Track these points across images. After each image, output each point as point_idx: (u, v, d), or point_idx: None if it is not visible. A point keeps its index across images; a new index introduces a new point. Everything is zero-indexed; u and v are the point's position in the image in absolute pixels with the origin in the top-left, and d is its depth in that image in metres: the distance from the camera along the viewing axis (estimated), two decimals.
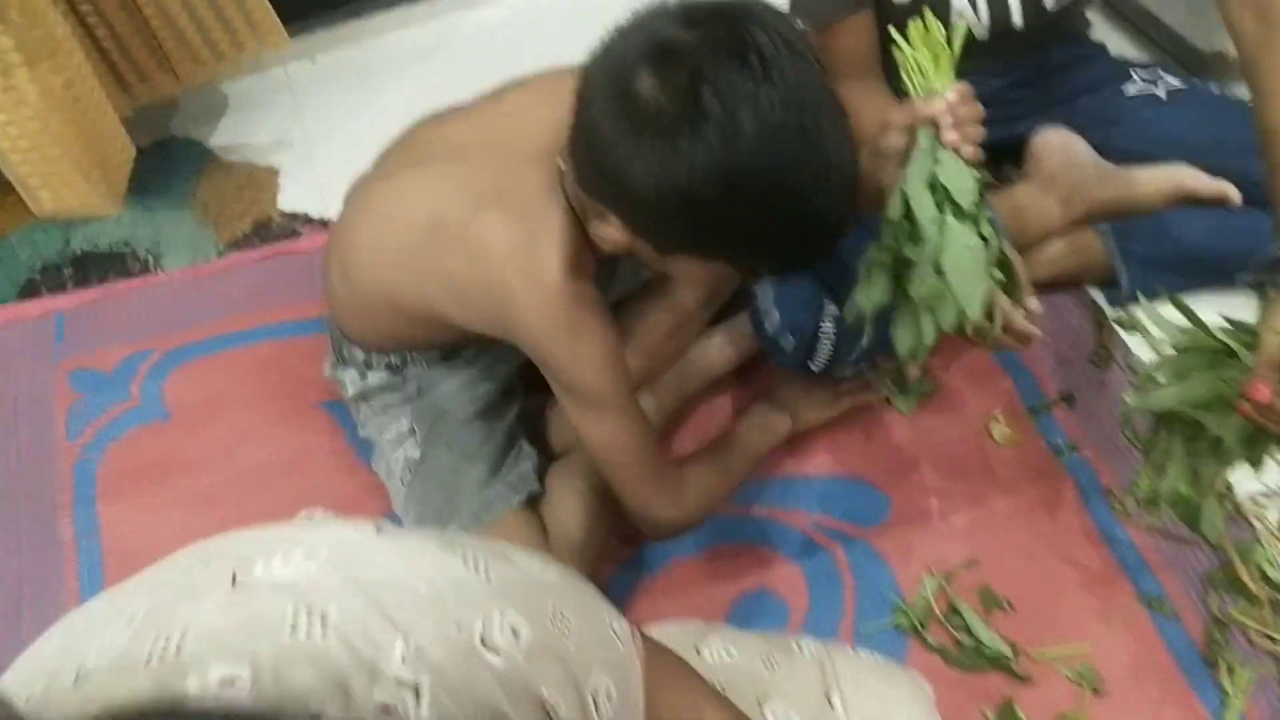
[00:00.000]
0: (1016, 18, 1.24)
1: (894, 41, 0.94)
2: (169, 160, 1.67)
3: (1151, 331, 1.05)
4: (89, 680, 0.44)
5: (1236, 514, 1.17)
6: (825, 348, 1.18)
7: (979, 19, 1.23)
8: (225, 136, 1.72)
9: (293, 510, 1.24)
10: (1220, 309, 1.02)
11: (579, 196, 0.91)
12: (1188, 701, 1.06)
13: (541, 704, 0.51)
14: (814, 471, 1.26)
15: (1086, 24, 1.43)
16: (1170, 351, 1.02)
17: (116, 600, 0.52)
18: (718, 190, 0.78)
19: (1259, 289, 0.96)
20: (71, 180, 1.49)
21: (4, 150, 1.43)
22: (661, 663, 0.65)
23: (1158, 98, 1.36)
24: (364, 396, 1.20)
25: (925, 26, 0.92)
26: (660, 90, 0.77)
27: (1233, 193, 1.27)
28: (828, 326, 1.17)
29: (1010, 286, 0.97)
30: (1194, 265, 1.32)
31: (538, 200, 0.94)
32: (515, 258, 0.93)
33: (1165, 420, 1.02)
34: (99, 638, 0.47)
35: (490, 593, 0.53)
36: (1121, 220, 1.33)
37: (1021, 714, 1.05)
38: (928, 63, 0.90)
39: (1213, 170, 1.28)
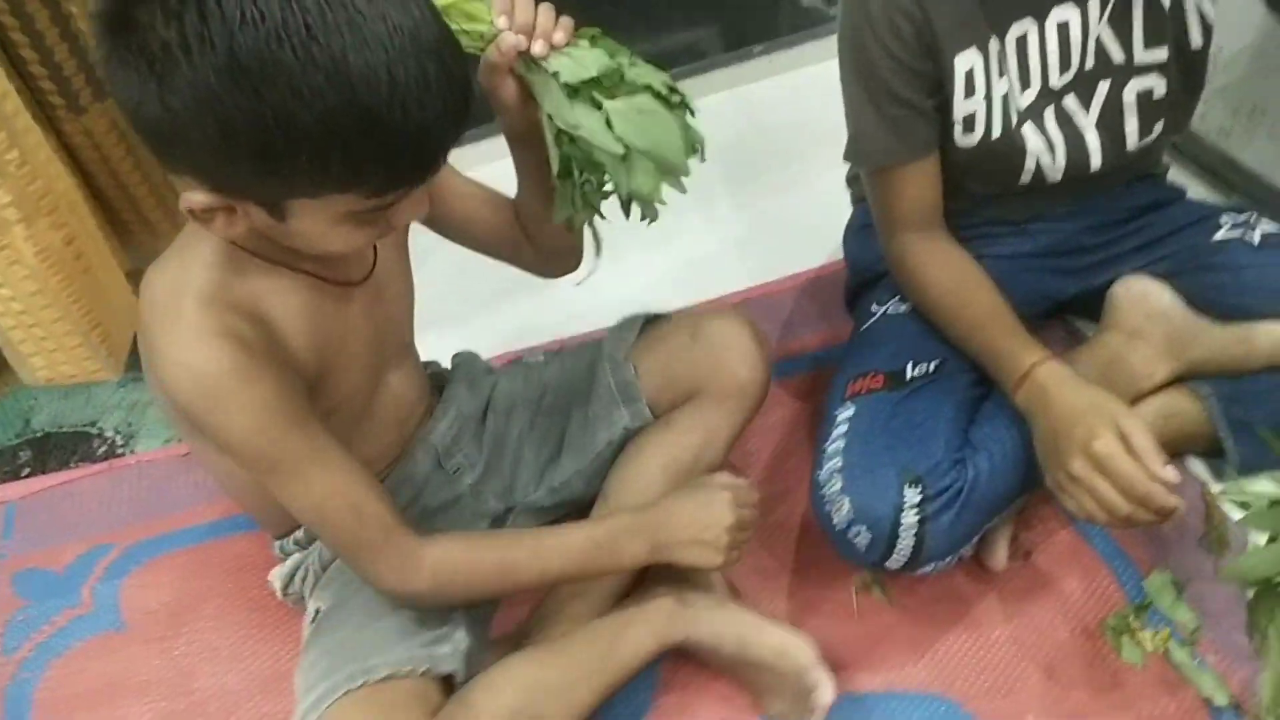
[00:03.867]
0: (1095, 159, 1.11)
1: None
2: None
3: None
4: None
5: None
6: (907, 543, 0.99)
7: (1054, 162, 1.10)
8: None
9: None
10: None
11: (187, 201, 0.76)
12: None
13: None
14: (881, 688, 1.05)
15: (1165, 166, 1.29)
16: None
17: None
18: (229, 83, 0.65)
19: None
20: (68, 344, 1.36)
21: None
22: None
23: (1251, 242, 1.20)
24: (292, 592, 1.05)
25: None
26: (157, 14, 0.65)
27: None
28: (910, 517, 0.98)
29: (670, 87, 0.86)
30: None
31: (185, 236, 0.84)
32: (157, 300, 0.82)
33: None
34: None
35: None
36: (1223, 381, 1.16)
37: None
38: (463, 21, 0.81)
39: None
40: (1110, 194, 1.23)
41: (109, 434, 1.40)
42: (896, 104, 1.05)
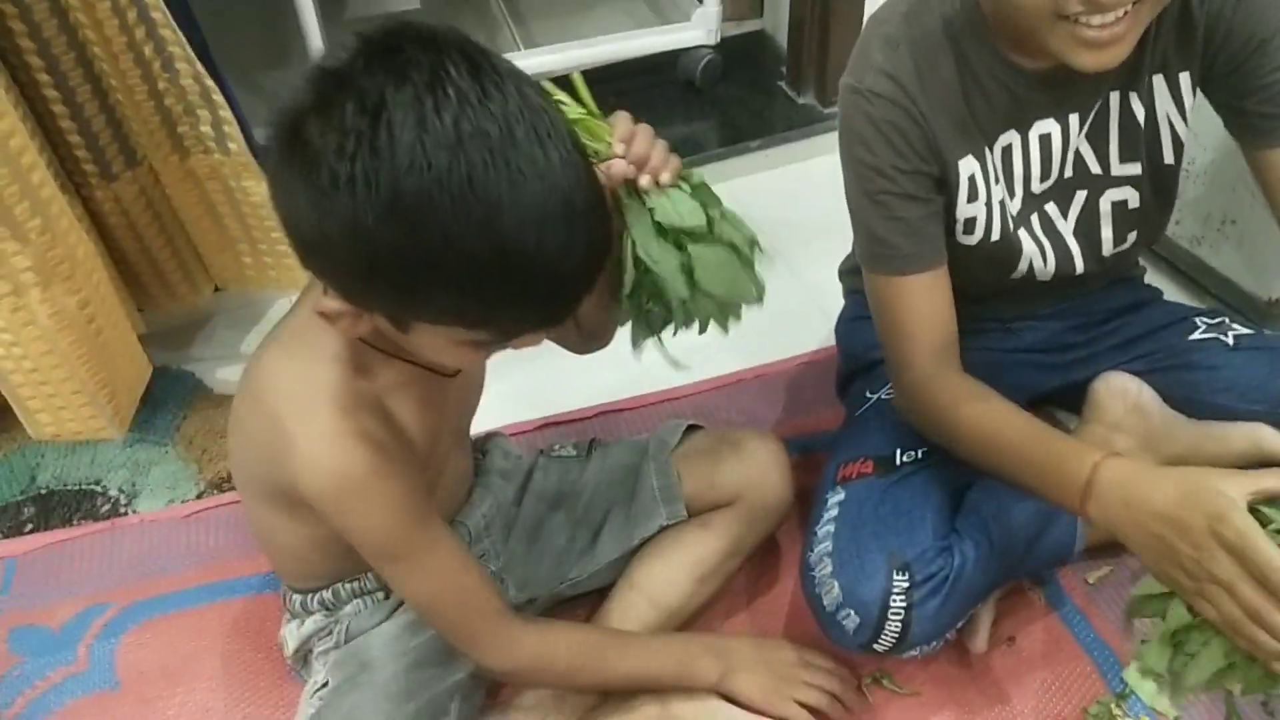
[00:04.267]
0: (1079, 263, 1.16)
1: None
2: (160, 390, 1.55)
3: None
4: None
5: None
6: (894, 627, 1.02)
7: (1045, 265, 1.15)
8: (216, 368, 1.62)
9: None
10: None
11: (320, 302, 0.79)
12: None
13: None
14: None
15: (1141, 269, 1.36)
16: None
17: None
18: (386, 220, 0.67)
19: None
20: (76, 403, 1.38)
21: (5, 371, 1.33)
22: None
23: (1224, 344, 1.26)
24: (301, 653, 1.07)
25: (572, 98, 0.86)
26: (326, 126, 0.67)
27: None
28: (898, 602, 1.01)
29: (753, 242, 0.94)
30: None
31: (308, 325, 0.85)
32: (291, 392, 0.85)
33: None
34: None
35: None
36: None
37: None
38: (583, 134, 0.83)
39: None
40: (1091, 295, 1.28)
41: (113, 492, 1.42)
42: (906, 203, 1.04)
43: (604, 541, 1.16)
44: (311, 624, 1.06)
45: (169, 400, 1.56)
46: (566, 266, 0.72)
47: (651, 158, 0.85)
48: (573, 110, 0.85)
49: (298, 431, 0.84)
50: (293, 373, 0.86)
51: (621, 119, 0.87)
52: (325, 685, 1.00)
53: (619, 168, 0.84)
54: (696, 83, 2.13)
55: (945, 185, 1.06)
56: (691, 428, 1.21)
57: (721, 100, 2.13)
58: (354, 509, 0.85)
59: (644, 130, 0.86)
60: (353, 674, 0.99)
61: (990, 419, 1.00)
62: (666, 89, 2.15)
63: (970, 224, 1.09)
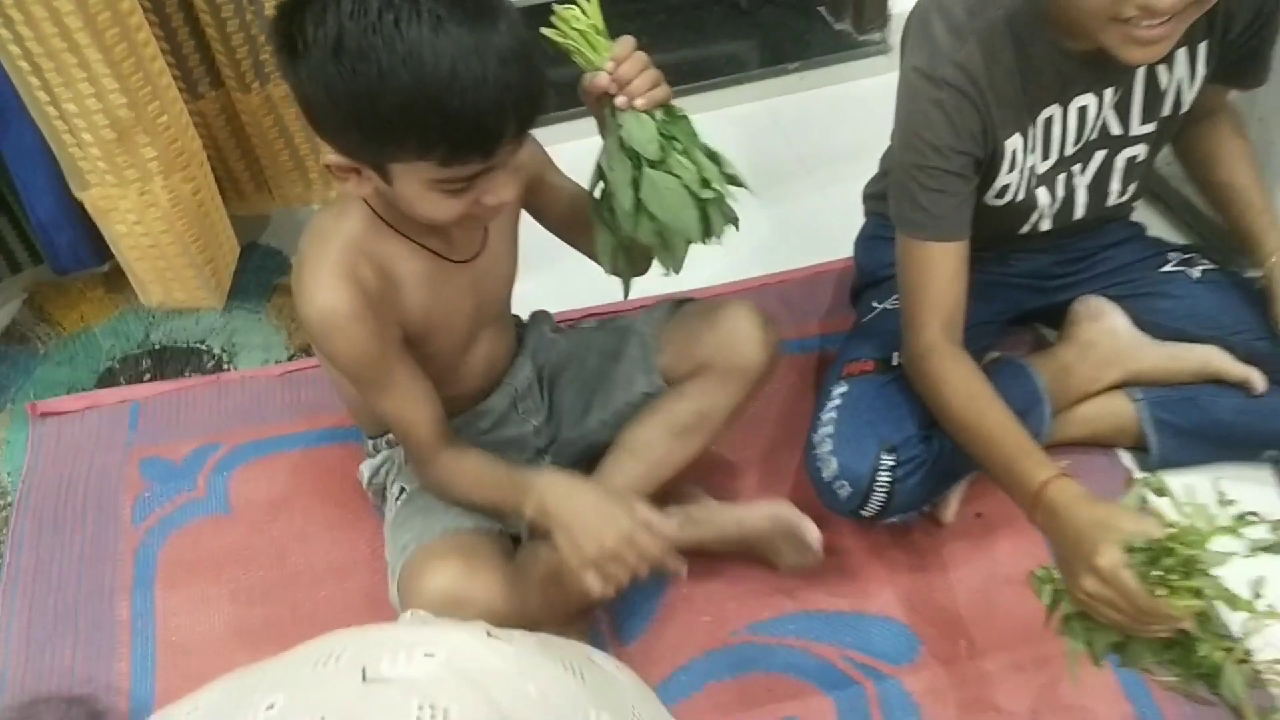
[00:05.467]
0: (1079, 212, 1.32)
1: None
2: (251, 267, 1.77)
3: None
4: None
5: (1256, 680, 1.19)
6: (878, 498, 1.24)
7: (1051, 214, 1.31)
8: None
9: (338, 613, 1.30)
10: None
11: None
12: None
13: None
14: (848, 608, 1.30)
15: (1131, 207, 1.52)
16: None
17: (246, 691, 0.57)
18: (336, 62, 0.87)
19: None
20: (184, 276, 1.59)
21: (126, 246, 1.53)
22: None
23: (1190, 277, 1.44)
24: (376, 482, 1.30)
25: (581, 11, 0.98)
26: (307, 23, 0.89)
27: (1257, 379, 1.34)
28: (884, 476, 1.23)
29: (733, 178, 1.04)
30: (1221, 439, 1.39)
31: (344, 198, 1.08)
32: (313, 236, 1.07)
33: None
34: None
35: (586, 693, 0.58)
36: (1155, 389, 1.41)
37: None
38: (584, 44, 0.98)
39: (1239, 350, 1.37)
40: (1084, 236, 1.45)
41: (216, 351, 1.65)
42: (950, 179, 1.17)
43: (596, 402, 1.32)
44: (380, 458, 1.29)
45: (260, 276, 1.77)
46: (482, 99, 0.88)
47: (635, 82, 0.97)
48: (580, 22, 0.97)
49: (305, 266, 1.05)
50: (320, 222, 1.07)
51: (624, 42, 0.98)
52: (403, 492, 1.24)
53: (600, 80, 0.98)
54: (742, 5, 2.26)
55: (989, 163, 1.20)
56: (681, 302, 1.34)
57: (764, 23, 2.27)
58: (330, 339, 1.04)
59: (639, 57, 0.98)
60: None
61: (974, 408, 1.16)
62: (713, 9, 2.29)
63: (1004, 190, 1.25)
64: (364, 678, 0.55)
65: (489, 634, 0.61)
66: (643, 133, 0.99)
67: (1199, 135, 1.36)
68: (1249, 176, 1.35)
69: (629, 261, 1.11)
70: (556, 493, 1.09)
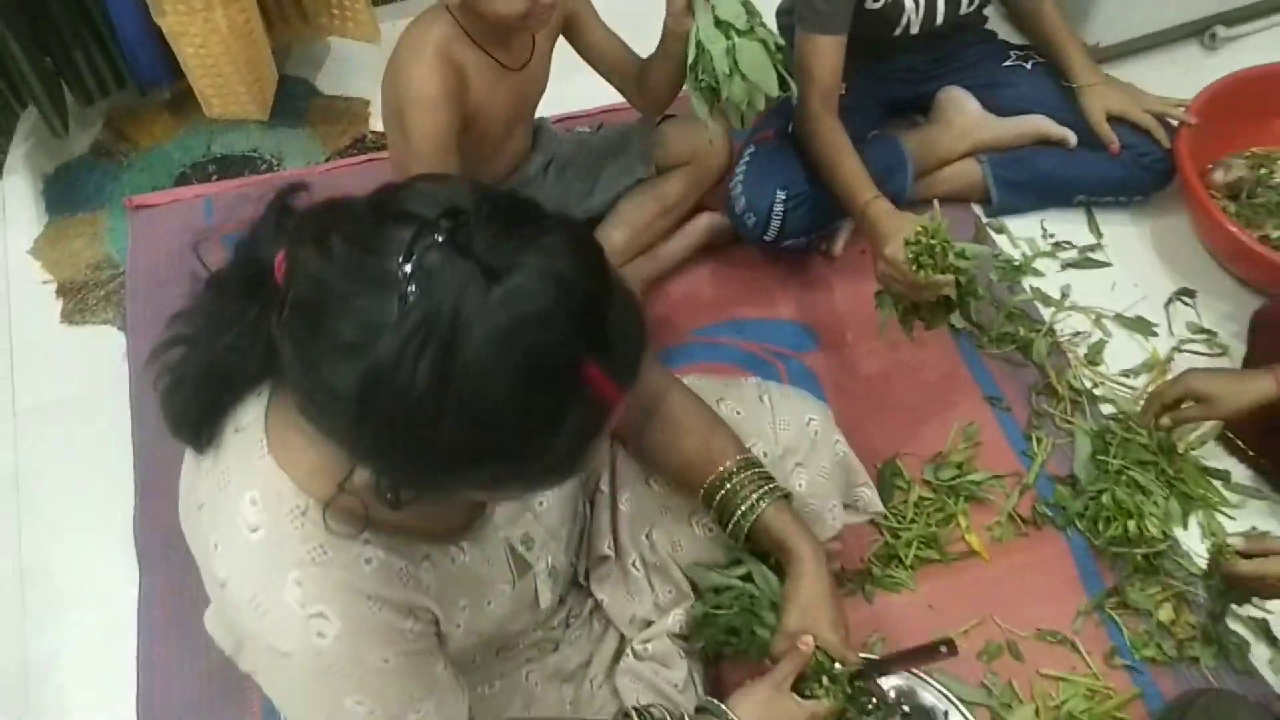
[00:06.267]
0: (939, 19, 1.73)
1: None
2: (286, 92, 2.16)
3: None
4: None
5: (1057, 347, 1.69)
6: (775, 224, 1.69)
7: (917, 18, 1.71)
8: (327, 79, 2.21)
9: None
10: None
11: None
12: (1012, 461, 1.58)
13: None
14: (767, 316, 1.78)
15: (984, 20, 1.95)
16: None
17: None
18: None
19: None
20: (237, 91, 1.98)
21: (194, 64, 1.91)
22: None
23: (1025, 69, 1.89)
24: None
25: None
26: None
27: (1071, 137, 1.81)
28: (779, 208, 1.68)
29: (780, 45, 1.35)
30: (1045, 188, 1.87)
31: (431, 10, 1.43)
32: (411, 30, 1.41)
33: None
34: None
35: None
36: (996, 153, 1.87)
37: (901, 465, 1.56)
38: None
39: (1060, 121, 1.83)
40: (945, 39, 1.88)
41: (266, 157, 2.05)
42: None
43: (601, 185, 1.74)
44: None
45: (293, 99, 2.16)
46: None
47: None
48: None
49: (404, 55, 1.38)
50: (415, 28, 1.41)
51: None
52: None
53: None
54: None
55: None
56: (667, 117, 1.77)
57: None
58: (419, 114, 1.35)
59: None
60: None
61: (833, 155, 1.59)
62: None
63: None
64: None
65: None
66: (733, 8, 1.30)
67: None
68: (1056, 25, 1.85)
69: (719, 118, 1.39)
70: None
